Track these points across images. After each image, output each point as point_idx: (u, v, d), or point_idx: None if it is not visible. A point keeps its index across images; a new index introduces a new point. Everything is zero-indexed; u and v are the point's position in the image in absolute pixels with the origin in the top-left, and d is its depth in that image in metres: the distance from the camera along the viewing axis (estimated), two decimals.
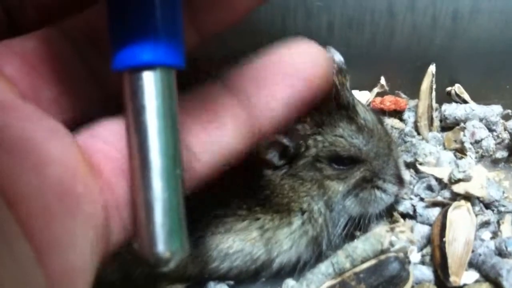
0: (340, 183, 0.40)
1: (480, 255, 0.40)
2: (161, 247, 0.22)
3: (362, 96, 0.54)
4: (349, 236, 0.42)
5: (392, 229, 0.40)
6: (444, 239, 0.40)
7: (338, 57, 0.43)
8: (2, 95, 0.22)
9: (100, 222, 0.22)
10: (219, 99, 0.26)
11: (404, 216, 0.46)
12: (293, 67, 0.25)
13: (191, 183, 0.25)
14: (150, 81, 0.22)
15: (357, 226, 0.42)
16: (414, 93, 0.55)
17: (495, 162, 0.51)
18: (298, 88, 0.25)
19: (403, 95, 0.55)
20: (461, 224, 0.42)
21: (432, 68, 0.53)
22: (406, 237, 0.40)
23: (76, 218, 0.21)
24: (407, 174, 0.44)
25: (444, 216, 0.42)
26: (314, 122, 0.38)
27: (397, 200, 0.45)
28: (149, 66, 0.22)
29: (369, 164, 0.41)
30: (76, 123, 0.25)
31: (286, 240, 0.40)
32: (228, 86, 0.26)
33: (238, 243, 0.39)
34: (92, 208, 0.21)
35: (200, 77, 0.29)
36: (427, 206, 0.45)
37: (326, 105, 0.38)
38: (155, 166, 0.22)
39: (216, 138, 0.25)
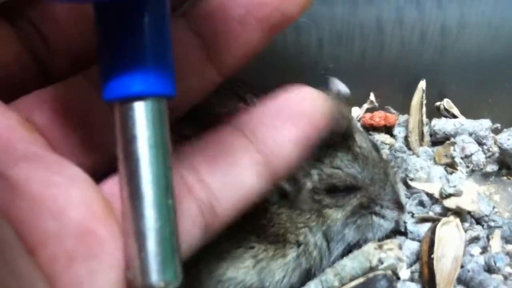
0: (338, 211, 0.41)
1: (468, 271, 0.42)
2: (155, 277, 0.22)
3: (352, 112, 0.56)
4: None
5: (380, 247, 0.41)
6: (432, 255, 0.42)
7: (343, 88, 0.45)
8: (27, 147, 0.24)
9: (122, 261, 0.23)
10: (234, 141, 0.28)
11: (395, 232, 0.47)
12: (298, 111, 0.28)
13: (213, 227, 0.27)
14: (141, 111, 0.23)
15: (352, 248, 0.43)
16: (404, 108, 0.56)
17: (485, 176, 0.52)
18: (304, 129, 0.28)
19: (393, 110, 0.56)
20: (450, 240, 0.43)
21: (422, 84, 0.55)
22: (395, 255, 0.41)
23: (99, 259, 0.22)
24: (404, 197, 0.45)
25: (432, 232, 0.43)
26: (312, 157, 0.39)
27: (398, 225, 0.46)
28: (140, 97, 0.23)
29: (365, 191, 0.42)
30: (104, 164, 0.27)
31: (279, 271, 0.40)
32: (240, 129, 0.28)
33: (231, 270, 0.39)
34: (115, 248, 0.23)
35: None
36: (417, 222, 0.47)
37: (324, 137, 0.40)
38: (147, 196, 0.23)
39: (235, 178, 0.27)
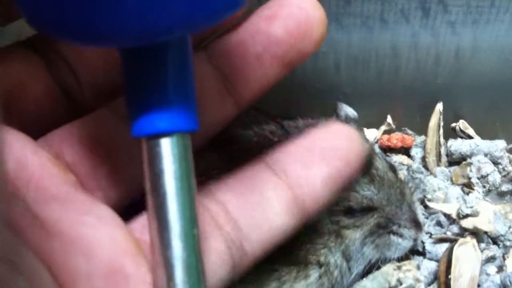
0: (356, 231, 0.43)
1: None
2: None
3: (370, 134, 0.58)
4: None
5: (399, 267, 0.44)
6: (449, 275, 0.44)
7: (352, 112, 0.47)
8: (59, 186, 0.26)
9: None
10: (264, 178, 0.29)
11: (413, 252, 0.49)
12: (331, 148, 0.29)
13: (242, 266, 0.28)
14: (167, 147, 0.25)
15: (373, 268, 0.45)
16: (420, 129, 0.59)
17: (500, 195, 0.54)
18: (336, 166, 0.29)
19: (409, 131, 0.59)
20: (467, 260, 0.45)
21: (439, 106, 0.57)
22: (413, 275, 0.43)
23: None
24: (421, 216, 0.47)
25: (450, 253, 0.46)
26: None
27: (416, 244, 0.47)
28: (166, 133, 0.25)
29: (382, 211, 0.44)
30: (129, 197, 0.28)
31: None
32: (271, 167, 0.29)
33: None
34: (142, 283, 0.25)
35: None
36: (435, 242, 0.49)
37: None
38: (174, 227, 0.24)
39: (264, 216, 0.28)
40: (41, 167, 0.26)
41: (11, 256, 0.22)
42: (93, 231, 0.25)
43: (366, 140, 0.45)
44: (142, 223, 0.27)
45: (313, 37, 0.30)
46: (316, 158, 0.29)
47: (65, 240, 0.24)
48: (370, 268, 0.45)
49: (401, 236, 0.45)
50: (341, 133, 0.30)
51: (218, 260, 0.27)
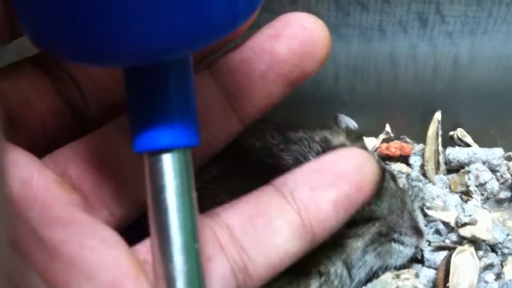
0: (358, 239, 0.44)
1: None
2: None
3: (369, 142, 0.59)
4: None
5: (398, 276, 0.44)
6: (448, 284, 0.44)
7: (352, 123, 0.48)
8: (63, 208, 0.26)
9: None
10: (271, 202, 0.29)
11: (412, 260, 0.50)
12: (343, 172, 0.29)
13: (246, 286, 0.28)
14: (168, 162, 0.25)
15: (373, 276, 0.46)
16: (419, 138, 0.60)
17: (499, 203, 0.55)
18: (346, 191, 0.29)
19: (408, 140, 0.60)
20: (465, 268, 0.46)
21: (438, 115, 0.58)
22: (411, 284, 0.44)
23: None
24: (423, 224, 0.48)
25: (448, 261, 0.46)
26: None
27: (417, 251, 0.48)
28: (167, 149, 0.25)
29: (383, 220, 0.45)
30: (134, 213, 0.29)
31: None
32: (280, 191, 0.29)
33: None
34: None
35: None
36: (434, 250, 0.49)
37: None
38: (175, 241, 0.25)
39: (270, 239, 0.28)
40: (46, 188, 0.26)
41: (14, 276, 0.22)
42: (97, 253, 0.25)
43: (369, 151, 0.45)
44: (148, 245, 0.27)
45: (317, 57, 0.31)
46: (325, 182, 0.29)
47: (69, 263, 0.25)
48: (370, 276, 0.45)
49: (402, 243, 0.45)
50: (353, 157, 0.30)
51: (221, 280, 0.27)
